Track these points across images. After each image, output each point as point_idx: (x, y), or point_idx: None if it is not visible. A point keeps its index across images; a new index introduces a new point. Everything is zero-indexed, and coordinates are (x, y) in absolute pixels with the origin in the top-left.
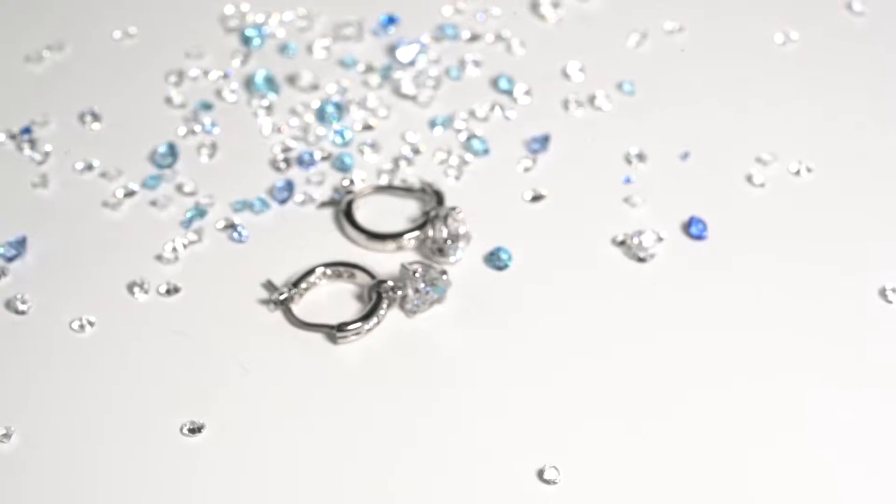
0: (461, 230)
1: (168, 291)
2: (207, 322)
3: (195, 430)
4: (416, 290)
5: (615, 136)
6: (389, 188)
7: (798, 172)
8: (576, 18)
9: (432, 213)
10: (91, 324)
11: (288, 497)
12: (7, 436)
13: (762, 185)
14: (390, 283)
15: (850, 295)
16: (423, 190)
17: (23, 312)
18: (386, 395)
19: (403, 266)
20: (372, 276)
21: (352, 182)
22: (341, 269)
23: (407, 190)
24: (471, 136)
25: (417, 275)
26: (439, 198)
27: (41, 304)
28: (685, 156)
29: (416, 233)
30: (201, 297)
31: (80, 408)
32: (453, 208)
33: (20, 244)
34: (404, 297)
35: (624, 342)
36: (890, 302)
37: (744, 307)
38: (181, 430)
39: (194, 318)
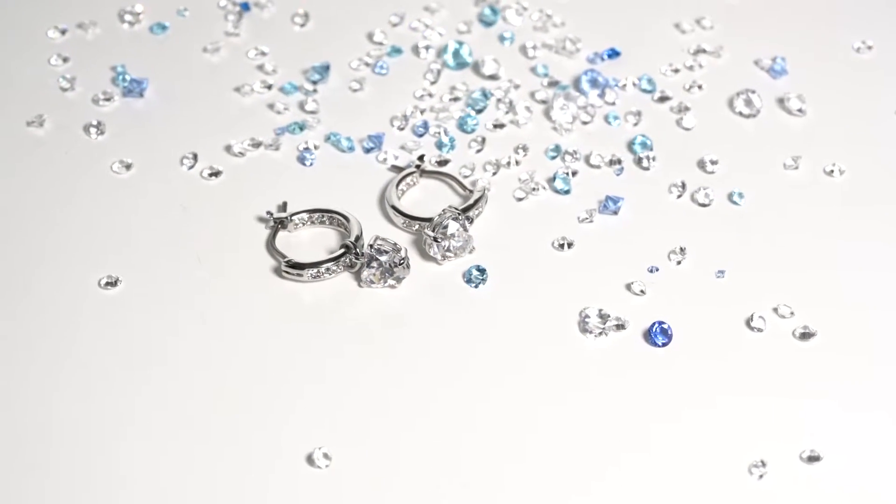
0: (455, 236)
1: (210, 175)
2: (214, 212)
3: (111, 283)
4: (369, 265)
5: (683, 231)
6: (447, 176)
7: (803, 337)
8: (765, 125)
9: (444, 212)
10: (128, 167)
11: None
12: None
13: (759, 331)
14: (357, 249)
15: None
16: (470, 191)
17: (93, 137)
18: (273, 337)
19: (374, 237)
20: (357, 235)
21: (443, 163)
22: (341, 219)
23: (459, 184)
24: (563, 174)
25: (373, 249)
26: (473, 203)
27: (109, 137)
28: (720, 273)
29: (424, 222)
30: (229, 191)
31: (64, 234)
32: (461, 215)
33: (139, 84)
34: (361, 266)
35: (507, 393)
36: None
37: (648, 425)
38: (98, 282)
39: (210, 203)
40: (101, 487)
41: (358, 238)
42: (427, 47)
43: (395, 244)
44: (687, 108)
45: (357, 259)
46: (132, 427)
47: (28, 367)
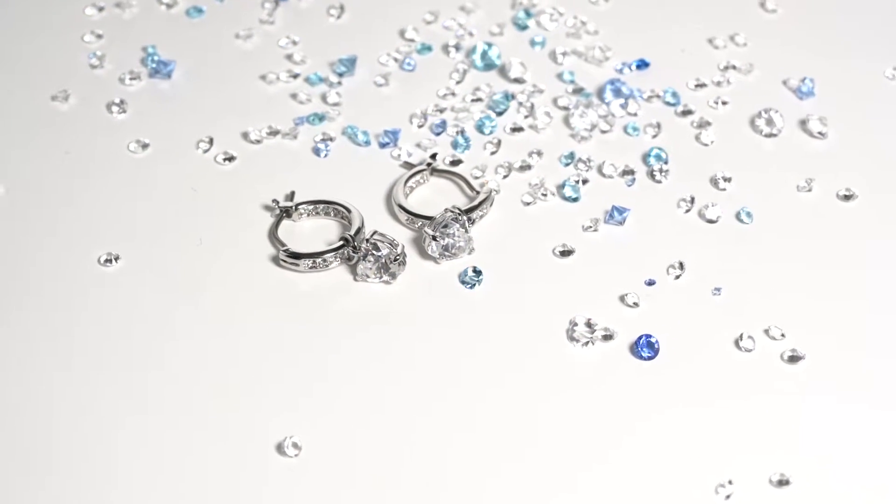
0: (455, 236)
1: (224, 160)
2: (223, 197)
3: (110, 260)
4: (365, 258)
5: (686, 246)
6: (457, 176)
7: (791, 360)
8: (784, 145)
9: (446, 211)
10: (144, 147)
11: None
12: None
13: (747, 351)
14: (354, 243)
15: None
16: (477, 192)
17: (114, 115)
18: (264, 325)
19: (372, 232)
20: (357, 228)
21: (456, 163)
22: (344, 211)
23: (468, 185)
24: (573, 182)
25: (369, 243)
26: (478, 205)
27: (130, 116)
28: (716, 291)
29: (426, 220)
30: (241, 177)
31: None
32: (461, 215)
33: (166, 66)
34: (358, 260)
35: (485, 395)
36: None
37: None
38: (98, 259)
39: (220, 187)
40: (95, 469)
41: (358, 231)
42: (456, 46)
43: (393, 240)
44: (708, 124)
45: (354, 252)
46: (118, 411)
47: (20, 342)
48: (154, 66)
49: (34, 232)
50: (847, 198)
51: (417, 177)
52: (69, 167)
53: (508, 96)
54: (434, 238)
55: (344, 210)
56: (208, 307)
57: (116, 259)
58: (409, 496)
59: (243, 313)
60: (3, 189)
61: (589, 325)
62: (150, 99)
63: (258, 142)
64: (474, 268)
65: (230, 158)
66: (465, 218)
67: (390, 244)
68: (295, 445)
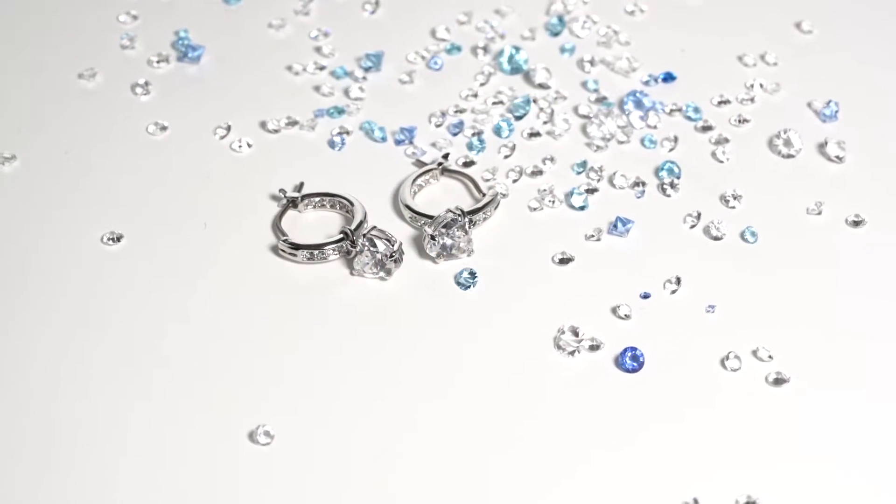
0: (454, 236)
1: (239, 146)
2: (233, 184)
3: (113, 239)
4: (361, 253)
5: (687, 261)
6: (467, 177)
7: (775, 382)
8: (800, 167)
9: (448, 211)
10: (163, 129)
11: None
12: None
13: (733, 371)
14: (353, 237)
15: None
16: (483, 193)
17: (136, 95)
18: (255, 312)
19: (371, 227)
20: (360, 223)
21: (469, 164)
22: (348, 204)
23: (476, 186)
24: (580, 191)
25: (366, 238)
26: (482, 207)
27: (153, 99)
28: (710, 308)
29: (428, 219)
30: (254, 165)
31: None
32: (462, 216)
33: (194, 51)
34: (355, 255)
35: (465, 397)
36: None
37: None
38: (101, 238)
39: (232, 174)
40: (92, 454)
41: (360, 225)
42: (485, 49)
43: (391, 236)
44: (726, 140)
45: (352, 247)
46: (108, 399)
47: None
48: (183, 50)
49: (43, 207)
50: (856, 224)
51: (427, 176)
52: (86, 145)
53: (529, 101)
54: (433, 237)
55: (348, 204)
56: (203, 292)
57: (119, 239)
58: (396, 490)
59: (237, 300)
60: (18, 162)
61: (575, 333)
62: (175, 82)
63: (276, 131)
64: (470, 270)
65: (245, 146)
66: (466, 219)
67: (388, 241)
68: (267, 434)
